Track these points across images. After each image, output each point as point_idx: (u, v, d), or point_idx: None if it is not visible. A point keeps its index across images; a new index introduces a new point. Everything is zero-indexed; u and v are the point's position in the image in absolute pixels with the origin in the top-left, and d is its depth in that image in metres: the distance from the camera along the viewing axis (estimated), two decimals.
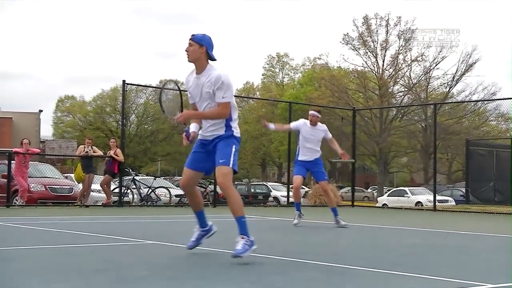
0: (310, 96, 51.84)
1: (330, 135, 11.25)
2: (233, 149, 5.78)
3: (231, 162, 5.74)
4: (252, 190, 38.54)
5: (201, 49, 5.77)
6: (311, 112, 11.08)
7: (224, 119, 5.77)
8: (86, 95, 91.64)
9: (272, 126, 11.07)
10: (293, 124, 11.39)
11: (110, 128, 63.62)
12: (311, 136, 11.02)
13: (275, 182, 52.77)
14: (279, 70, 68.33)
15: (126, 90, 18.87)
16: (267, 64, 68.00)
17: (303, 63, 67.13)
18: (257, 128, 59.97)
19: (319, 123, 11.09)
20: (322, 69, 57.03)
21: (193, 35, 5.86)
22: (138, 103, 63.82)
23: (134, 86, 56.79)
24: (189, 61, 5.87)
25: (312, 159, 11.04)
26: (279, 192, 37.54)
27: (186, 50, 5.89)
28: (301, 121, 11.22)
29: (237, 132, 5.91)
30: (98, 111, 65.93)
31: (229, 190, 5.77)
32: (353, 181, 24.13)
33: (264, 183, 43.70)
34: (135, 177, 19.91)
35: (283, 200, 32.98)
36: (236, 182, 52.19)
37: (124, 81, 18.40)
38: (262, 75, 68.62)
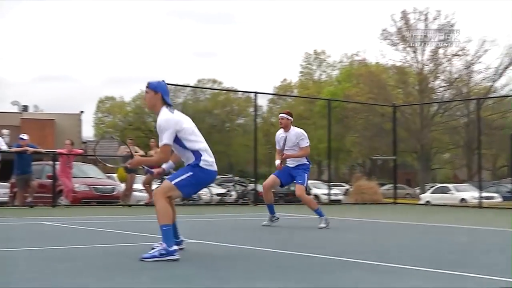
0: (348, 93, 51.55)
1: (304, 143, 10.12)
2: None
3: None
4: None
5: (156, 96, 6.14)
6: (280, 114, 10.27)
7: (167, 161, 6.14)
8: (126, 96, 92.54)
9: (277, 161, 10.17)
10: (276, 143, 10.36)
11: (150, 128, 64.15)
12: (286, 144, 10.10)
13: (315, 180, 52.57)
14: (317, 67, 68.09)
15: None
16: (304, 61, 67.83)
17: (341, 59, 66.85)
18: (295, 125, 59.86)
19: (294, 128, 10.20)
20: (360, 65, 56.65)
21: (148, 83, 6.28)
22: (177, 103, 64.32)
23: (173, 86, 57.20)
24: (148, 109, 6.19)
25: (294, 165, 10.12)
26: (319, 190, 37.44)
27: (144, 98, 6.33)
28: (278, 132, 10.34)
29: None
30: (138, 111, 66.58)
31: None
32: (395, 178, 23.93)
33: None
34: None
35: (324, 198, 32.86)
36: None
37: (163, 81, 18.53)
38: (300, 72, 68.51)
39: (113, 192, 19.30)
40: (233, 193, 23.26)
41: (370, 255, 6.28)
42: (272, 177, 10.15)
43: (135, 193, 19.51)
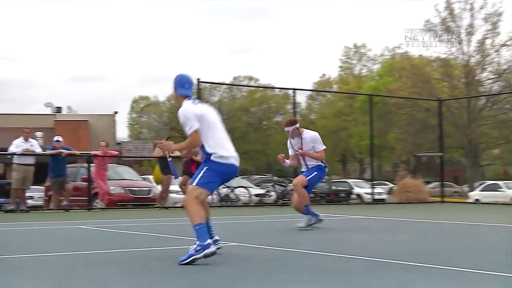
0: (391, 87, 51.04)
1: (319, 147, 10.09)
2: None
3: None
4: (333, 187, 38.28)
5: (175, 93, 6.56)
6: (286, 128, 10.10)
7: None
8: (160, 95, 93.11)
9: (287, 162, 10.16)
10: (289, 148, 10.23)
11: None
12: (302, 146, 10.05)
13: (357, 178, 52.27)
14: (357, 62, 67.64)
15: (200, 88, 19.07)
16: (344, 55, 67.43)
17: (382, 53, 66.23)
18: (336, 122, 59.57)
19: (306, 131, 10.21)
20: (403, 58, 56.09)
21: None
22: (212, 101, 64.52)
23: (208, 84, 57.58)
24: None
25: (309, 168, 10.10)
26: (362, 189, 37.24)
27: None
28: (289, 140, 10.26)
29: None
30: (173, 111, 66.94)
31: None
32: (441, 175, 23.64)
33: (346, 180, 43.36)
34: None
35: (367, 197, 32.65)
36: None
37: (198, 79, 18.60)
38: (339, 67, 68.04)
39: (149, 194, 19.42)
40: (272, 193, 23.25)
41: (419, 257, 6.18)
42: (301, 177, 10.13)
43: (171, 195, 19.62)
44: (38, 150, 16.77)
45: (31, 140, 16.71)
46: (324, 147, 10.24)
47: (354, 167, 78.45)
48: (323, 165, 10.24)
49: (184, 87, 6.51)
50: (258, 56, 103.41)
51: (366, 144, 48.65)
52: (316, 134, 10.26)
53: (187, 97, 6.44)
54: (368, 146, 25.02)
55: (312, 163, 10.10)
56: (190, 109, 6.27)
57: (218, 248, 6.21)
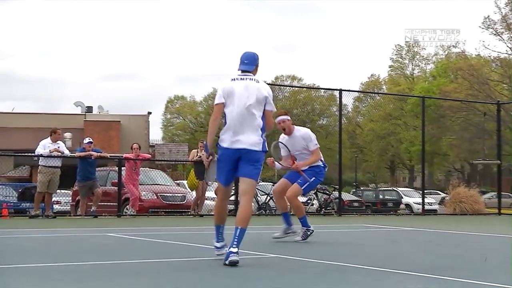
0: (445, 89, 50.57)
1: (313, 145, 9.60)
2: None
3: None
4: (381, 196, 38.07)
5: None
6: (279, 118, 9.54)
7: None
8: (197, 95, 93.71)
9: (278, 165, 9.72)
10: (282, 147, 9.72)
11: None
12: (292, 149, 9.62)
13: (406, 187, 51.83)
14: (409, 61, 67.14)
15: None
16: (395, 54, 66.96)
17: (436, 52, 65.64)
18: (384, 126, 59.18)
19: (298, 128, 9.71)
20: (459, 58, 55.48)
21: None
22: None
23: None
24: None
25: (306, 168, 9.60)
26: (411, 198, 36.89)
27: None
28: (281, 137, 9.83)
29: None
30: (210, 112, 67.23)
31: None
32: (499, 185, 23.26)
33: (394, 188, 43.01)
34: None
35: (417, 207, 32.32)
36: (362, 188, 51.71)
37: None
38: (389, 67, 67.70)
39: (183, 201, 19.50)
40: (314, 202, 23.14)
41: (475, 273, 6.04)
42: (283, 181, 9.78)
43: (207, 201, 19.64)
44: (66, 151, 16.90)
45: (59, 141, 16.79)
46: (318, 145, 9.69)
47: (403, 175, 77.82)
48: (322, 165, 9.73)
49: (241, 63, 7.30)
50: (303, 54, 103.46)
51: (417, 150, 48.24)
52: (308, 130, 9.77)
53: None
54: (419, 152, 24.72)
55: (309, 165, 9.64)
56: (219, 87, 7.26)
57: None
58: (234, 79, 7.18)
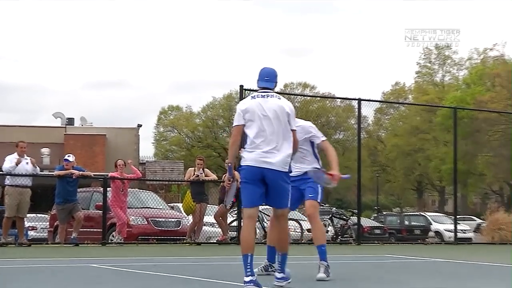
0: (480, 99, 50.50)
1: (320, 138, 9.44)
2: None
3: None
4: (406, 222, 37.95)
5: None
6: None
7: None
8: (194, 105, 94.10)
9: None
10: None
11: (224, 145, 64.85)
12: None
13: (436, 212, 51.69)
14: (439, 67, 67.10)
15: (245, 97, 19.06)
16: (423, 59, 66.92)
17: (470, 56, 65.62)
18: (410, 142, 59.17)
19: (296, 120, 8.96)
20: (496, 63, 55.49)
21: None
22: None
23: (251, 92, 57.36)
24: None
25: (300, 174, 9.28)
26: (442, 225, 36.78)
27: None
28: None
29: None
30: (209, 124, 67.49)
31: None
32: None
33: (422, 213, 42.89)
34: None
35: (449, 235, 32.22)
36: (384, 212, 51.60)
37: (241, 86, 18.60)
38: (416, 73, 67.62)
39: (178, 227, 19.46)
40: (329, 228, 23.06)
41: None
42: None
43: (205, 228, 19.61)
44: (37, 170, 16.61)
45: (26, 156, 16.56)
46: (324, 137, 9.51)
47: (432, 198, 77.71)
48: (320, 167, 9.35)
49: (261, 79, 8.10)
50: (316, 59, 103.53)
51: (448, 169, 48.05)
52: (309, 122, 9.53)
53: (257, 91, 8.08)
54: (451, 172, 24.63)
55: (303, 168, 9.30)
56: (238, 106, 8.12)
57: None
58: (255, 97, 7.95)
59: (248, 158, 7.78)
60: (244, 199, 7.83)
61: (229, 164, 8.11)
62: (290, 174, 8.32)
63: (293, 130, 7.93)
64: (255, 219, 8.06)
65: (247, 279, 7.39)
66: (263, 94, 7.95)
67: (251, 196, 7.77)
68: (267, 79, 8.07)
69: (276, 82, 8.13)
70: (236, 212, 19.26)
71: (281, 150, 7.76)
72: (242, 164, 7.86)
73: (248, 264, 7.47)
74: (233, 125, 8.00)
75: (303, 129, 9.21)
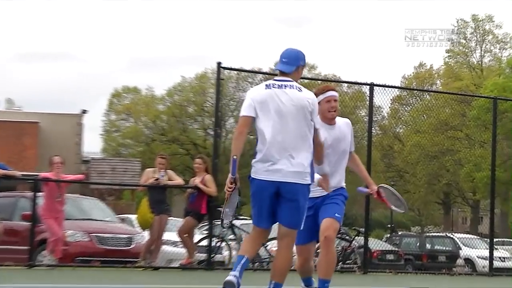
0: None
1: (353, 146, 9.91)
2: None
3: None
4: (428, 245, 38.00)
5: None
6: (328, 93, 9.61)
7: None
8: (157, 87, 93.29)
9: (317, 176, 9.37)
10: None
11: (194, 140, 64.85)
12: (327, 145, 9.37)
13: (467, 233, 51.85)
14: (476, 44, 67.25)
15: (222, 79, 18.99)
16: (455, 34, 67.07)
17: None
18: (436, 141, 59.14)
19: (339, 118, 9.77)
20: None
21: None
22: (241, 98, 64.65)
23: (235, 72, 57.13)
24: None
25: (323, 194, 9.45)
26: (474, 250, 36.75)
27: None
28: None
29: None
30: (176, 112, 67.28)
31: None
32: None
33: (449, 234, 42.99)
34: (234, 222, 20.05)
35: (482, 264, 32.24)
36: (400, 232, 51.65)
37: (219, 63, 18.53)
38: (447, 52, 67.73)
39: (129, 246, 19.44)
40: None
41: None
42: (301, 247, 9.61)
43: (165, 247, 19.57)
44: None
45: None
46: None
47: (463, 215, 77.94)
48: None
49: (280, 62, 8.49)
50: (316, 30, 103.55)
51: (484, 177, 48.13)
52: (349, 121, 9.97)
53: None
54: (488, 181, 24.65)
55: (336, 182, 9.54)
56: (247, 94, 8.62)
57: None
58: (270, 86, 8.32)
59: (258, 168, 8.23)
60: (253, 216, 8.42)
61: (234, 157, 8.26)
62: (312, 196, 8.81)
63: (316, 130, 8.27)
64: (260, 240, 8.63)
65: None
66: (280, 83, 8.26)
67: (258, 216, 8.34)
68: (285, 61, 8.40)
69: (298, 67, 8.44)
70: (207, 228, 19.20)
71: (299, 156, 8.08)
72: (251, 175, 8.29)
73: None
74: (240, 115, 8.36)
75: (349, 126, 9.77)
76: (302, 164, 8.06)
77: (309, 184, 8.21)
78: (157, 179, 18.18)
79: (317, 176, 9.08)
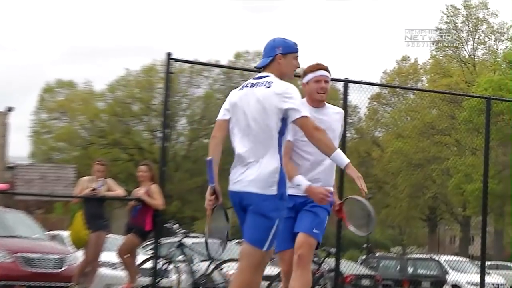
0: None
1: (337, 142, 10.12)
2: None
3: None
4: (410, 269, 38.20)
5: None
6: (319, 73, 10.03)
7: None
8: (97, 81, 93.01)
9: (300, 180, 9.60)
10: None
11: (139, 143, 64.73)
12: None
13: (455, 255, 52.16)
14: (468, 35, 67.57)
15: (173, 72, 18.95)
16: (444, 22, 67.38)
17: None
18: (421, 146, 59.39)
19: (330, 105, 10.23)
20: None
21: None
22: (194, 95, 64.63)
23: (188, 65, 56.92)
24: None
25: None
26: (463, 274, 36.99)
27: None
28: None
29: None
30: (118, 111, 67.09)
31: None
32: None
33: (435, 256, 43.21)
34: (183, 240, 20.03)
35: None
36: (378, 253, 51.84)
37: (169, 54, 18.48)
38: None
39: (60, 268, 19.34)
40: None
41: None
42: (284, 252, 9.82)
43: (103, 270, 19.50)
44: None
45: None
46: None
47: (451, 233, 78.27)
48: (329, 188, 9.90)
49: (264, 55, 8.67)
50: (282, 18, 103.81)
51: (476, 189, 48.41)
52: (341, 111, 10.35)
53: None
54: (480, 194, 24.79)
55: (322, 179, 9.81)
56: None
57: None
58: (244, 86, 8.56)
59: (229, 178, 8.34)
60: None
61: (209, 159, 8.39)
62: (291, 193, 8.98)
63: (300, 119, 8.24)
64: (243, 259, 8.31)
65: None
66: (254, 81, 8.44)
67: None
68: (262, 55, 8.66)
69: (276, 56, 8.56)
70: (152, 247, 19.14)
71: (261, 163, 8.10)
72: None
73: None
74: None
75: (340, 117, 10.16)
76: (264, 171, 8.03)
77: (275, 195, 8.04)
78: (94, 190, 18.11)
79: (302, 181, 9.27)
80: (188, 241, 20.57)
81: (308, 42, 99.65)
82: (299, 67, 8.90)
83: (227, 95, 8.44)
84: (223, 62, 62.52)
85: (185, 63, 23.12)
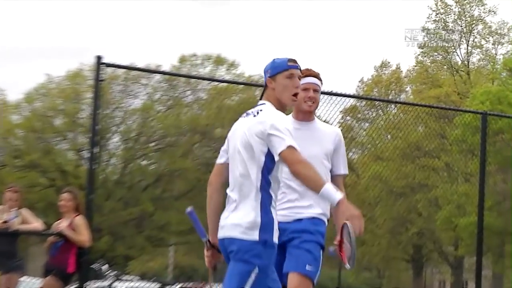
0: None
1: (344, 168, 11.17)
2: None
3: None
4: None
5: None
6: (307, 80, 10.30)
7: None
8: (11, 90, 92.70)
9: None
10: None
11: (61, 165, 64.57)
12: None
13: None
14: (461, 37, 68.04)
15: (102, 80, 18.97)
16: (432, 20, 67.81)
17: None
18: (404, 172, 59.67)
19: (317, 120, 10.68)
20: None
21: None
22: (129, 107, 64.57)
23: (123, 71, 56.75)
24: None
25: (295, 219, 10.10)
26: None
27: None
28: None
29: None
30: (37, 126, 66.94)
31: None
32: None
33: None
34: (114, 284, 20.06)
35: None
36: None
37: (99, 58, 18.51)
38: (419, 47, 68.43)
39: None
40: None
41: None
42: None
43: None
44: None
45: None
46: None
47: (440, 277, 78.73)
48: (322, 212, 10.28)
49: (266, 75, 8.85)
50: (237, 12, 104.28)
51: (470, 224, 48.71)
52: (338, 129, 11.05)
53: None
54: (474, 229, 24.98)
55: (301, 214, 10.08)
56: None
57: None
58: (241, 116, 8.80)
59: None
60: None
61: (188, 210, 9.09)
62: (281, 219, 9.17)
63: (287, 149, 8.12)
64: None
65: None
66: (249, 111, 8.62)
67: None
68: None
69: (270, 77, 8.69)
70: None
71: (244, 205, 8.19)
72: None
73: None
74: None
75: (336, 137, 10.79)
76: (244, 214, 8.13)
77: (258, 242, 8.08)
78: (5, 222, 18.06)
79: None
80: (120, 285, 20.58)
81: (267, 39, 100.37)
82: (297, 87, 8.81)
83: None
84: (165, 67, 62.55)
85: (119, 68, 22.98)
